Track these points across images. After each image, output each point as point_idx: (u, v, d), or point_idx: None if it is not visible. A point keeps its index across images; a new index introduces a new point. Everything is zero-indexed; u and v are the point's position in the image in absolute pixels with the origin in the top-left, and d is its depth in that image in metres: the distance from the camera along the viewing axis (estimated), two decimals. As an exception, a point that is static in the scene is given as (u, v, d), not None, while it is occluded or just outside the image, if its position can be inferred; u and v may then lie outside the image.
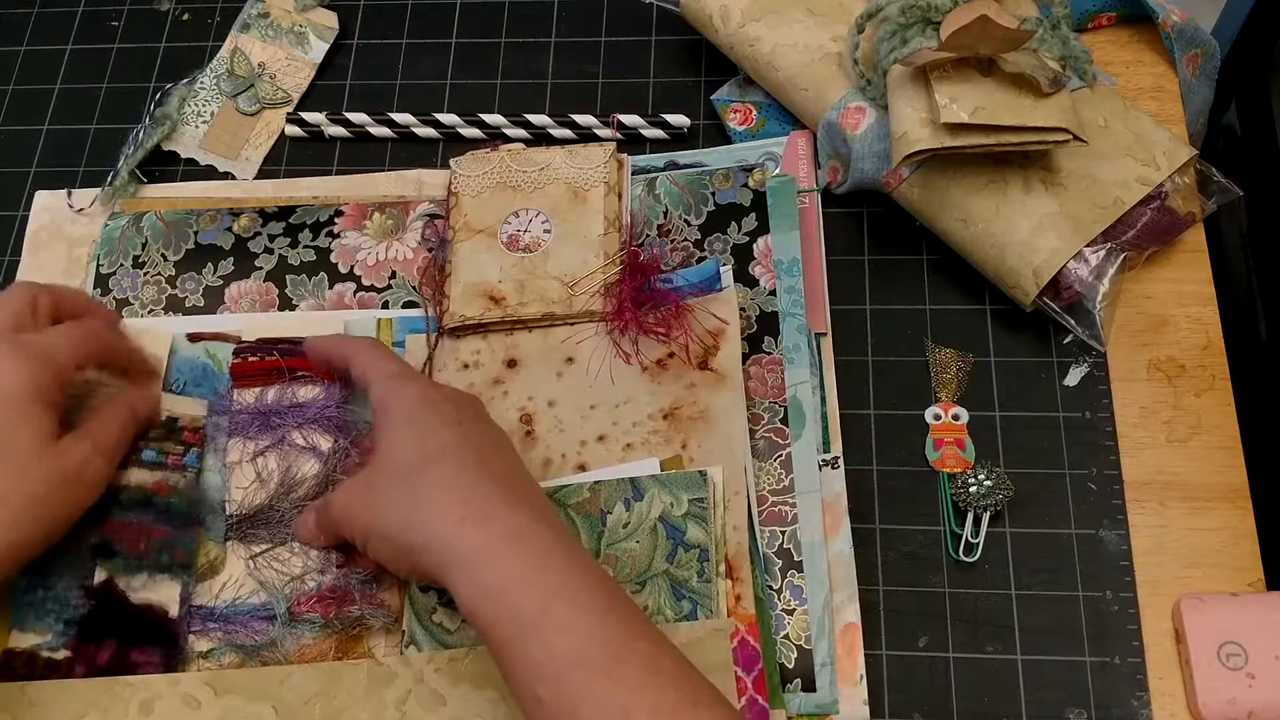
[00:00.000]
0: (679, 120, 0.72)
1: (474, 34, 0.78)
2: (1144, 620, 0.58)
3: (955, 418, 0.63)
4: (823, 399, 0.63)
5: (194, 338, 0.66)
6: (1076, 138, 0.60)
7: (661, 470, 0.60)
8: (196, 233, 0.70)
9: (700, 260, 0.66)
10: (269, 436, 0.61)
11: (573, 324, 0.65)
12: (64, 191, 0.73)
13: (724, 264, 0.65)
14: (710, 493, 0.58)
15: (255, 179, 0.74)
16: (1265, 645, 0.55)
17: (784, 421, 0.61)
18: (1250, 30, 0.77)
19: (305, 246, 0.69)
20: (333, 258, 0.69)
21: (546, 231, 0.66)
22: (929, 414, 0.63)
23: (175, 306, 0.68)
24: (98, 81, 0.78)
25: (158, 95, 0.75)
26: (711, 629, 0.55)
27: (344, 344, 0.60)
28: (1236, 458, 0.61)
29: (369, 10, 0.79)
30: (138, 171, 0.73)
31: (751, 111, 0.72)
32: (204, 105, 0.76)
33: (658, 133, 0.72)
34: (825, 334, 0.65)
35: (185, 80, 0.76)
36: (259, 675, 0.56)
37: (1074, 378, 0.64)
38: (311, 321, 0.67)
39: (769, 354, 0.63)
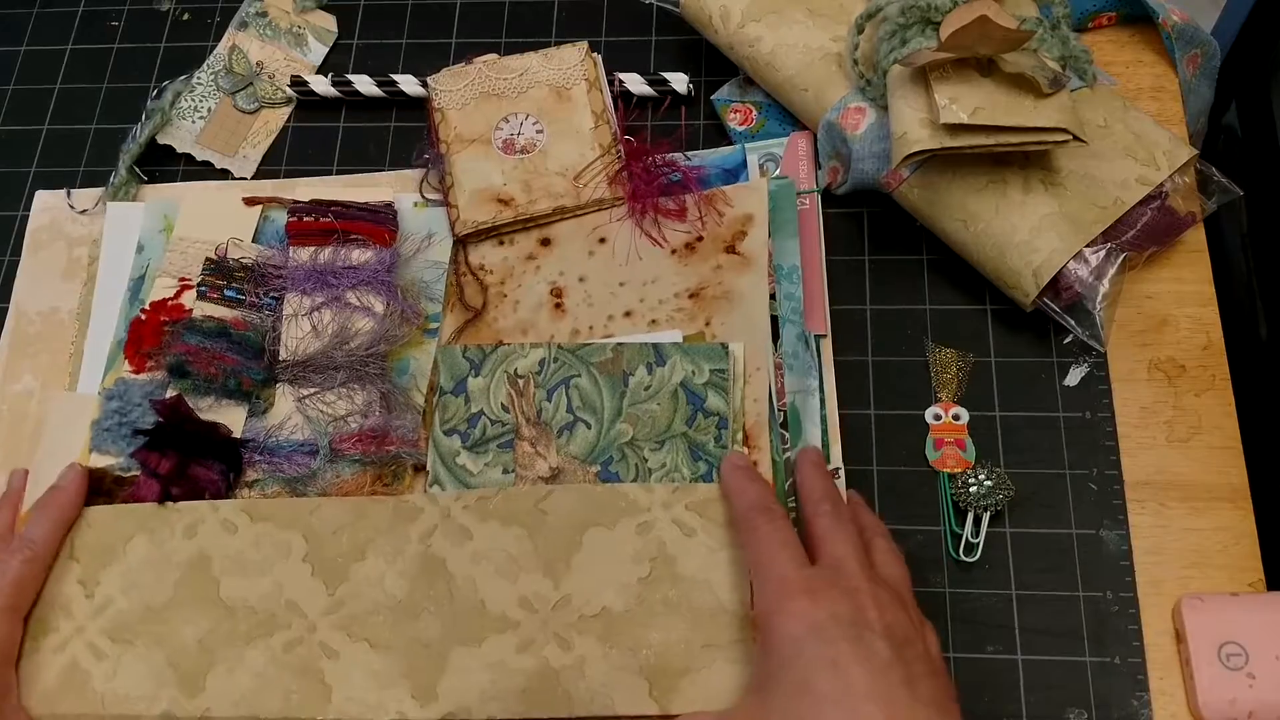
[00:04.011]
0: (678, 80, 0.72)
1: (474, 34, 0.78)
2: (1144, 620, 0.58)
3: (955, 418, 0.63)
4: (822, 402, 0.63)
5: (249, 202, 0.69)
6: (1076, 138, 0.60)
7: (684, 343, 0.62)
8: (197, 232, 0.70)
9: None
10: (324, 294, 0.65)
11: (584, 214, 0.67)
12: (64, 191, 0.73)
13: (751, 152, 0.67)
14: (731, 365, 0.60)
15: (254, 178, 0.73)
16: (1265, 645, 0.55)
17: (783, 427, 0.61)
18: (1250, 30, 0.77)
19: (305, 246, 0.69)
20: (333, 257, 0.69)
21: (539, 132, 0.68)
22: (929, 414, 0.63)
23: (175, 306, 0.68)
24: (98, 81, 0.78)
25: (154, 93, 0.75)
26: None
27: (740, 492, 0.54)
28: (1236, 458, 0.61)
29: (369, 10, 0.79)
30: (137, 170, 0.73)
31: (751, 111, 0.72)
32: (201, 101, 0.75)
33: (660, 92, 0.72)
34: (825, 335, 0.65)
35: (182, 77, 0.76)
36: (291, 505, 0.60)
37: (1074, 378, 0.64)
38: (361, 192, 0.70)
39: (769, 354, 0.63)
